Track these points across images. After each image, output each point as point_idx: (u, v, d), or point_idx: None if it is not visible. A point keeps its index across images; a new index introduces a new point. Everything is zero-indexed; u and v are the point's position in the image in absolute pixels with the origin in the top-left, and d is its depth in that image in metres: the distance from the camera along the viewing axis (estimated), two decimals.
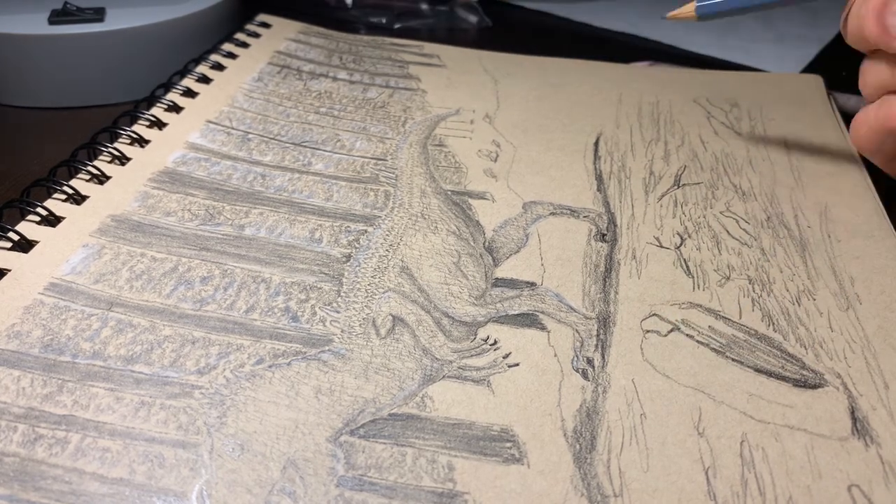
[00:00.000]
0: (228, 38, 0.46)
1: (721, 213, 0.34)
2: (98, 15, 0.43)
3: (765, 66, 0.52)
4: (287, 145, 0.37)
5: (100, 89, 0.44)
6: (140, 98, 0.41)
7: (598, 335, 0.27)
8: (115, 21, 0.43)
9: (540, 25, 0.58)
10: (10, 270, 0.28)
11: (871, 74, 0.32)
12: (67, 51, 0.42)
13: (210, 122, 0.38)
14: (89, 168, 0.33)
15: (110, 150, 0.34)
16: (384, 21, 0.56)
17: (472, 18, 0.56)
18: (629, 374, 0.25)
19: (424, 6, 0.56)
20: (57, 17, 0.42)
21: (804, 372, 0.26)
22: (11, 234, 0.29)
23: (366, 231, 0.31)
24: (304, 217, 0.32)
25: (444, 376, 0.25)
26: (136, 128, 0.36)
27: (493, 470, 0.22)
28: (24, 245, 0.29)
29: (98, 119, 0.41)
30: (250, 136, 0.37)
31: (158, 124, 0.37)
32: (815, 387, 0.25)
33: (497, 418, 0.23)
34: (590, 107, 0.43)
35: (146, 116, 0.37)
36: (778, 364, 0.26)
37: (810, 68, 0.52)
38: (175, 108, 0.38)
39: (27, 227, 0.30)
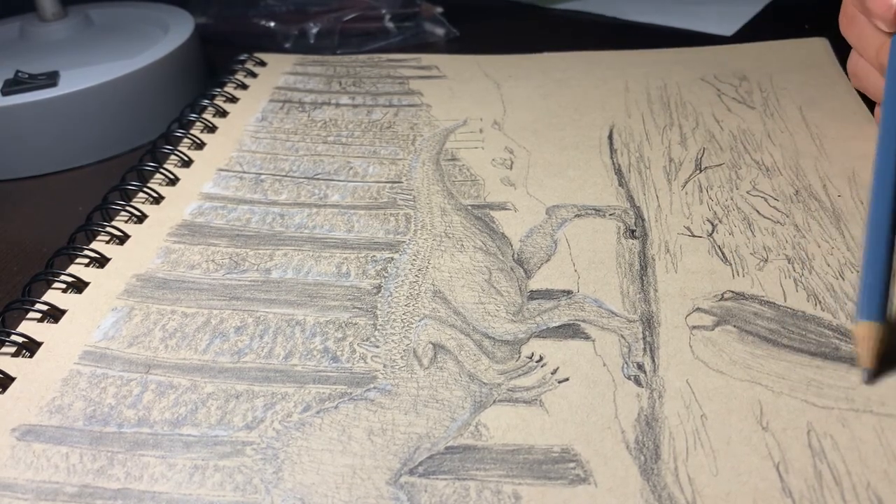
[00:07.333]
0: (218, 82, 0.46)
1: (748, 192, 0.33)
2: (51, 80, 0.41)
3: (708, 29, 0.51)
4: (300, 180, 0.37)
5: (65, 154, 0.42)
6: (113, 155, 0.42)
7: (644, 338, 0.26)
8: (70, 83, 0.41)
9: (508, 22, 0.57)
10: (42, 343, 0.28)
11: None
12: (24, 120, 0.40)
13: (221, 169, 0.38)
14: (108, 229, 0.33)
15: (127, 209, 0.34)
16: (351, 48, 0.54)
17: (439, 31, 0.55)
18: (682, 374, 0.25)
19: (390, 25, 0.55)
20: (9, 86, 0.41)
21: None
22: (40, 306, 0.29)
23: (392, 258, 0.31)
24: (328, 252, 0.32)
25: (494, 401, 0.24)
26: (150, 184, 0.36)
27: (561, 493, 0.21)
28: (54, 315, 0.29)
29: (68, 184, 0.41)
30: (263, 176, 0.37)
31: (172, 181, 0.37)
32: None
33: (555, 438, 0.23)
34: (597, 99, 0.42)
35: (161, 172, 0.37)
36: (832, 345, 0.25)
37: (754, 24, 0.52)
38: (185, 162, 0.38)
39: (54, 296, 0.30)
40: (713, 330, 0.26)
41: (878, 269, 0.25)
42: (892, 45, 0.31)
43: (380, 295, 0.29)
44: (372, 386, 0.25)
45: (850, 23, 0.35)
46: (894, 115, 0.29)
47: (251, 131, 0.41)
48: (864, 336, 0.24)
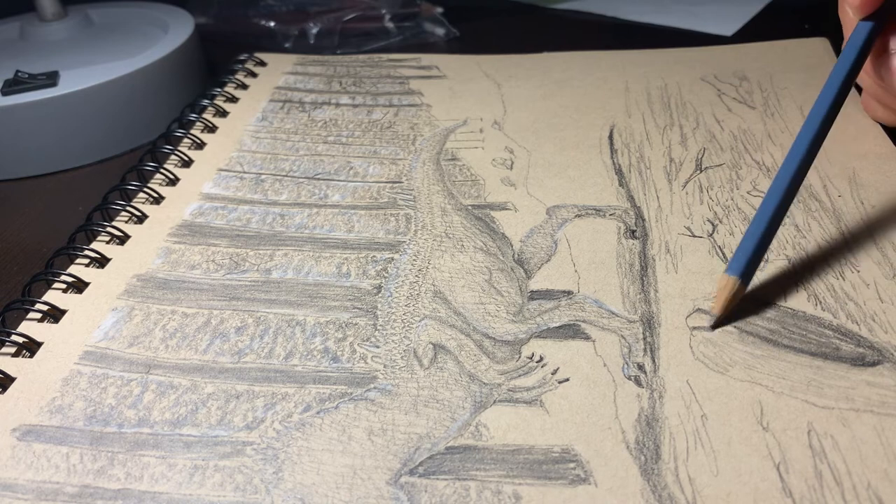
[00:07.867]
0: (218, 82, 0.46)
1: (748, 192, 0.33)
2: (51, 80, 0.41)
3: (708, 29, 0.51)
4: (301, 180, 0.37)
5: (65, 154, 0.42)
6: (113, 155, 0.42)
7: (644, 338, 0.26)
8: (70, 83, 0.41)
9: (508, 22, 0.57)
10: (42, 343, 0.28)
11: None
12: (24, 120, 0.40)
13: (221, 169, 0.38)
14: (108, 229, 0.33)
15: (127, 209, 0.34)
16: (351, 48, 0.54)
17: (440, 31, 0.55)
18: (683, 375, 0.25)
19: (390, 25, 0.55)
20: (9, 86, 0.40)
21: (860, 349, 0.25)
22: (40, 306, 0.29)
23: (392, 258, 0.31)
24: (328, 252, 0.32)
25: (494, 401, 0.24)
26: (150, 184, 0.36)
27: (561, 493, 0.21)
28: (55, 315, 0.29)
29: (68, 184, 0.41)
30: (263, 176, 0.37)
31: (172, 181, 0.37)
32: (874, 364, 0.24)
33: (556, 439, 0.23)
34: (598, 99, 0.42)
35: (161, 172, 0.37)
36: (832, 345, 0.25)
37: (754, 24, 0.52)
38: (186, 163, 0.38)
39: (55, 296, 0.30)
40: (713, 330, 0.26)
41: (756, 235, 0.27)
42: (854, 30, 0.31)
43: (380, 295, 0.29)
44: (372, 386, 0.25)
45: (841, 8, 0.35)
46: (829, 97, 0.30)
47: (251, 131, 0.41)
48: (722, 287, 0.26)
